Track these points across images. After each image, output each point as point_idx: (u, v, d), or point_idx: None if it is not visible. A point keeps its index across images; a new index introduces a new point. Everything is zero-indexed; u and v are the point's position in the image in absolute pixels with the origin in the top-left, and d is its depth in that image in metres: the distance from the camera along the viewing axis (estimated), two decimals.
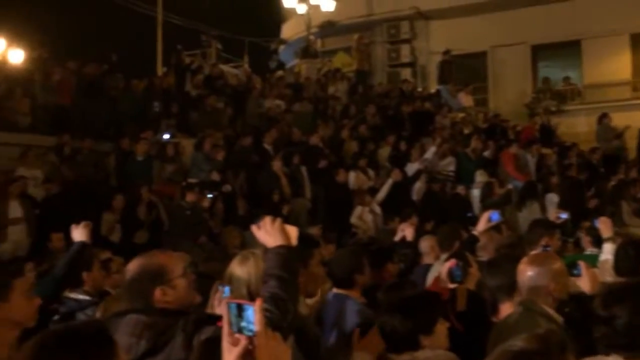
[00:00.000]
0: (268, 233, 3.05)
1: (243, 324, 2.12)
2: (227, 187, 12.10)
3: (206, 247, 10.27)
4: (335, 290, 4.61)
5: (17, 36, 20.76)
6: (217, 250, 10.00)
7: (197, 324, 2.75)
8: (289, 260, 2.96)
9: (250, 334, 2.11)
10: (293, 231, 3.11)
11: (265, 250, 4.20)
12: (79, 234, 4.72)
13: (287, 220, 12.28)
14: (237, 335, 2.12)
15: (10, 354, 3.39)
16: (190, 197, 10.62)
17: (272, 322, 2.59)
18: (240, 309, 2.13)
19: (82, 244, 4.68)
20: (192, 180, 11.22)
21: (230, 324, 2.12)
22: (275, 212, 11.60)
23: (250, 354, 2.10)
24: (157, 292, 3.00)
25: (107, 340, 2.10)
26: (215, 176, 12.05)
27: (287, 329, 2.72)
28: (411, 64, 23.98)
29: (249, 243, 10.47)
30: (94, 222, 10.88)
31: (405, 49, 23.90)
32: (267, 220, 3.08)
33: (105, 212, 10.86)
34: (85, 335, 2.06)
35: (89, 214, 11.23)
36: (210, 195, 10.96)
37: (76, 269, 4.66)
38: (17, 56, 20.13)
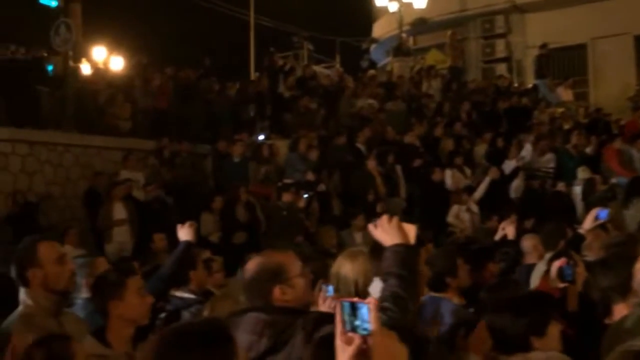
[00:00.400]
0: (385, 231, 3.00)
1: (357, 322, 2.08)
2: (322, 187, 12.13)
3: (303, 247, 10.29)
4: (430, 293, 4.54)
5: (117, 44, 21.54)
6: (314, 250, 10.02)
7: (317, 322, 2.74)
8: (407, 258, 2.90)
9: (365, 332, 2.07)
10: (411, 229, 3.04)
11: (372, 249, 4.14)
12: (184, 233, 4.80)
13: None
14: (350, 334, 2.08)
15: (128, 350, 3.47)
16: (286, 198, 10.69)
17: (392, 321, 2.54)
18: (353, 307, 2.10)
19: (188, 244, 4.76)
20: (287, 181, 11.30)
21: (343, 323, 2.09)
22: (370, 212, 11.61)
23: (364, 353, 2.05)
24: (276, 291, 3.01)
25: (227, 339, 2.11)
26: (310, 176, 12.10)
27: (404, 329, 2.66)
28: (506, 59, 23.40)
29: (345, 242, 10.47)
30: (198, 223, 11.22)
31: (500, 44, 23.36)
32: (384, 218, 3.03)
33: (205, 213, 11.06)
34: (206, 333, 2.08)
35: (189, 215, 11.60)
36: (306, 196, 11.01)
37: (182, 268, 4.75)
38: (117, 63, 20.92)
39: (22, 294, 3.60)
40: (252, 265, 3.13)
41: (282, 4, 24.28)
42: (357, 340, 2.04)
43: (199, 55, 19.11)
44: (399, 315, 2.69)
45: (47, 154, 13.27)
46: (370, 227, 3.08)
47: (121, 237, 10.95)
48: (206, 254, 7.32)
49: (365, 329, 2.06)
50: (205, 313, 4.45)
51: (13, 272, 3.64)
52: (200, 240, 10.84)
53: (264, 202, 11.53)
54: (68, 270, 3.70)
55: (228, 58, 21.31)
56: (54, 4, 14.01)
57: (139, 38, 21.23)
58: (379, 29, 25.19)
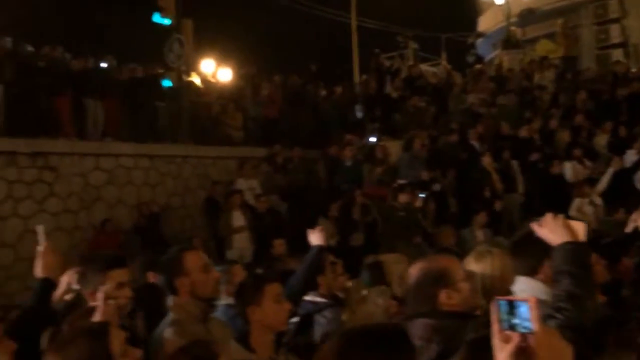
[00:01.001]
0: (552, 230, 2.90)
1: (515, 321, 2.02)
2: (437, 186, 11.97)
3: (423, 247, 10.18)
4: None
5: (225, 56, 22.07)
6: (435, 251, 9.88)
7: (488, 326, 2.69)
8: (579, 256, 2.79)
9: (525, 330, 2.01)
10: (580, 226, 2.92)
11: (514, 246, 4.02)
12: (315, 238, 4.83)
13: (501, 216, 11.95)
14: (508, 333, 2.02)
15: (271, 355, 3.51)
16: (402, 198, 10.61)
17: (569, 321, 2.46)
18: (512, 306, 2.04)
19: (320, 248, 4.78)
20: (402, 182, 11.22)
21: (500, 322, 2.03)
22: (487, 209, 11.36)
23: (524, 352, 1.98)
24: (442, 296, 2.99)
25: (409, 345, 2.12)
26: (425, 176, 11.98)
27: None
28: (622, 44, 22.37)
29: (466, 241, 10.29)
30: (311, 228, 11.36)
31: (614, 29, 22.37)
32: (548, 217, 2.92)
33: (321, 217, 11.14)
34: (389, 337, 2.09)
35: (304, 220, 11.73)
36: (422, 195, 10.89)
37: (315, 273, 4.77)
38: (225, 75, 21.45)
39: (171, 301, 3.71)
40: (416, 270, 3.10)
41: (384, 5, 24.21)
42: (515, 338, 1.98)
43: (304, 61, 19.33)
44: (575, 315, 2.60)
45: (166, 166, 13.79)
46: (534, 226, 2.97)
47: (241, 244, 11.21)
48: (330, 258, 7.35)
49: (525, 327, 2.00)
50: (345, 317, 4.46)
51: (161, 281, 3.77)
52: None
53: (379, 204, 11.49)
54: (213, 278, 3.79)
55: (332, 62, 21.45)
56: (167, 22, 14.53)
57: (246, 49, 21.69)
58: (484, 23, 24.70)
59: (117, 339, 2.43)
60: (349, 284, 7.12)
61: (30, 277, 11.32)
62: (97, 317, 2.93)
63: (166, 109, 14.27)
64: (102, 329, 2.47)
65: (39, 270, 3.33)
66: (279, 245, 9.65)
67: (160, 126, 14.09)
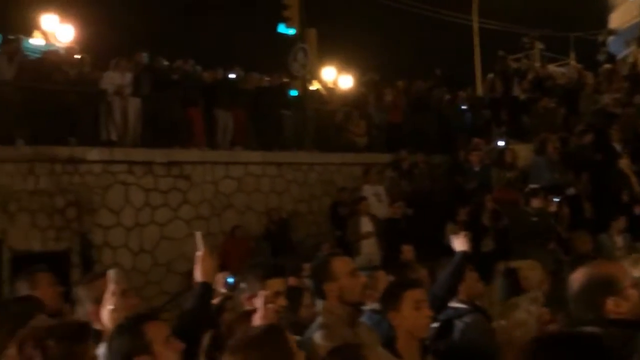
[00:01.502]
0: None
1: None
2: (572, 190, 11.51)
3: (556, 253, 9.80)
4: None
5: (345, 63, 22.21)
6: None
7: None
8: None
9: None
10: None
11: None
12: (459, 243, 4.75)
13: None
14: None
15: None
16: (535, 203, 10.26)
17: None
18: None
19: (464, 254, 4.70)
20: (534, 186, 10.85)
21: None
22: (626, 213, 10.81)
23: None
24: (609, 303, 2.87)
25: (609, 354, 2.04)
26: (558, 179, 11.55)
27: None
28: None
29: (604, 247, 9.83)
30: (437, 233, 11.21)
31: None
32: None
33: (449, 223, 10.97)
34: (586, 343, 2.02)
35: (431, 226, 11.60)
36: (556, 200, 10.49)
37: (458, 279, 4.69)
38: (346, 82, 21.59)
39: (320, 306, 3.75)
40: (580, 276, 2.98)
41: (507, 5, 23.62)
42: None
43: (426, 66, 19.16)
44: None
45: (293, 173, 14.05)
46: None
47: (369, 249, 11.23)
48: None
49: None
50: (504, 322, 4.35)
51: (310, 286, 3.82)
52: (448, 250, 10.81)
53: (510, 209, 11.18)
54: (360, 283, 3.80)
55: (454, 66, 21.16)
56: (291, 32, 14.82)
57: (367, 55, 21.75)
58: (616, 19, 23.57)
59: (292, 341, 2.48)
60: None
61: (166, 282, 11.85)
62: (258, 321, 3.00)
63: (292, 117, 14.53)
64: (278, 331, 2.53)
65: (198, 275, 3.45)
66: (408, 251, 9.56)
67: (286, 134, 14.36)
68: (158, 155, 12.20)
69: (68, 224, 11.15)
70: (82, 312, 3.18)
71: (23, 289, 3.45)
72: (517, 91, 15.81)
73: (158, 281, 11.87)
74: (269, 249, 12.12)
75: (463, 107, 16.13)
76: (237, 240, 12.31)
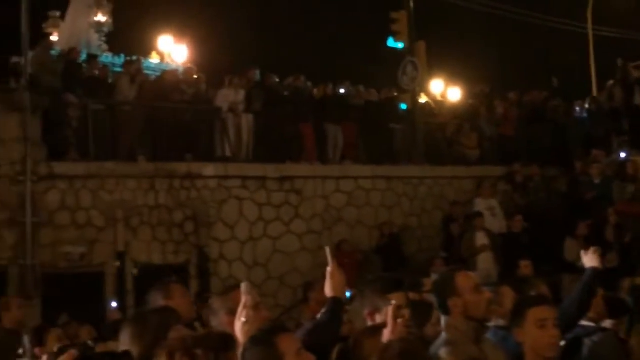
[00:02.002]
0: None
1: None
2: None
3: None
4: None
5: (454, 75, 21.96)
6: None
7: None
8: None
9: None
10: None
11: None
12: (589, 259, 4.58)
13: None
14: None
15: None
16: None
17: None
18: None
19: (594, 270, 4.52)
20: None
21: None
22: None
23: None
24: None
25: None
26: None
27: None
28: None
29: None
30: (556, 248, 10.86)
31: None
32: None
33: (568, 238, 10.60)
34: None
35: (548, 240, 11.25)
36: None
37: (590, 296, 4.52)
38: (455, 94, 21.32)
39: (444, 322, 3.70)
40: None
41: (622, 11, 22.66)
42: None
43: (538, 77, 18.67)
44: None
45: (403, 187, 13.95)
46: None
47: (486, 264, 10.99)
48: None
49: None
50: (634, 340, 4.16)
51: (434, 301, 3.77)
52: (567, 266, 10.44)
53: (635, 223, 10.70)
54: (485, 299, 3.72)
55: (569, 75, 20.49)
56: (400, 45, 14.81)
57: (476, 67, 21.41)
58: None
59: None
60: None
61: (279, 295, 12.03)
62: (388, 336, 2.98)
63: (401, 131, 14.47)
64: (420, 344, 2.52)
65: (328, 290, 3.48)
66: (526, 267, 9.31)
67: (396, 148, 14.31)
68: (270, 170, 12.44)
69: (186, 237, 11.54)
70: (216, 322, 3.27)
71: (158, 300, 3.58)
72: (638, 100, 15.12)
73: (271, 294, 12.05)
74: (380, 263, 12.09)
75: (580, 117, 15.58)
76: (345, 254, 12.32)
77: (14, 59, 13.23)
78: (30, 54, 11.17)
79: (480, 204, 12.62)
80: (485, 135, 15.15)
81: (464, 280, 3.73)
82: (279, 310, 11.73)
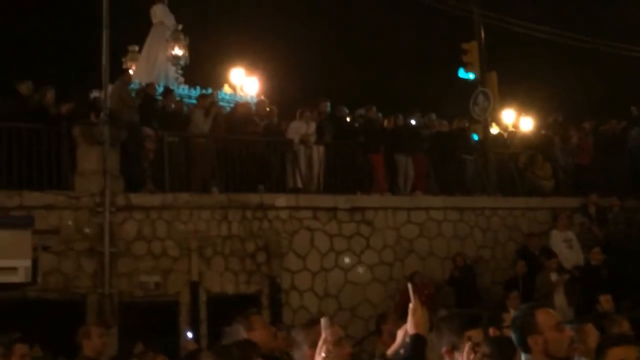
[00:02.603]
0: None
1: None
2: None
3: None
4: None
5: (525, 105, 21.64)
6: None
7: None
8: None
9: None
10: None
11: None
12: None
13: None
14: None
15: None
16: None
17: None
18: None
19: None
20: None
21: None
22: None
23: None
24: None
25: None
26: None
27: None
28: None
29: None
30: (636, 282, 10.46)
31: None
32: None
33: None
34: None
35: (628, 274, 10.86)
36: None
37: None
38: (527, 124, 20.98)
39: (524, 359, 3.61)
40: None
41: None
42: None
43: (614, 105, 18.21)
44: None
45: (475, 218, 13.75)
46: None
47: (561, 302, 10.67)
48: None
49: None
50: None
51: (514, 339, 3.69)
52: None
53: None
54: (567, 337, 3.61)
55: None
56: (471, 76, 14.73)
57: (549, 96, 21.05)
58: None
59: None
60: None
61: (351, 327, 11.94)
62: None
63: (473, 161, 14.32)
64: None
65: (411, 327, 3.45)
66: (606, 302, 9.02)
67: (467, 179, 14.15)
68: (341, 201, 12.46)
69: (258, 267, 11.64)
70: (299, 355, 3.28)
71: (240, 331, 3.63)
72: None
73: (343, 325, 11.95)
74: (453, 295, 11.91)
75: None
76: (417, 286, 12.16)
77: (94, 93, 13.79)
78: (110, 88, 11.55)
79: (556, 236, 12.33)
80: (559, 165, 14.85)
81: (545, 317, 3.62)
82: (350, 341, 11.67)
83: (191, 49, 17.88)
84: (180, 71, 17.26)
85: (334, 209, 12.40)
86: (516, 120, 21.58)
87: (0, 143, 10.22)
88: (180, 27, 17.33)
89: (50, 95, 11.34)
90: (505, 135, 17.19)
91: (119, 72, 12.91)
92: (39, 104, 11.14)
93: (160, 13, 17.72)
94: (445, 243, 13.34)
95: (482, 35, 14.93)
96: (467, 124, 14.88)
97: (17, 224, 8.10)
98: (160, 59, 17.31)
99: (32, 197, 9.91)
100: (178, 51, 17.04)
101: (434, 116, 14.83)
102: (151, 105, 12.29)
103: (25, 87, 11.07)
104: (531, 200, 14.31)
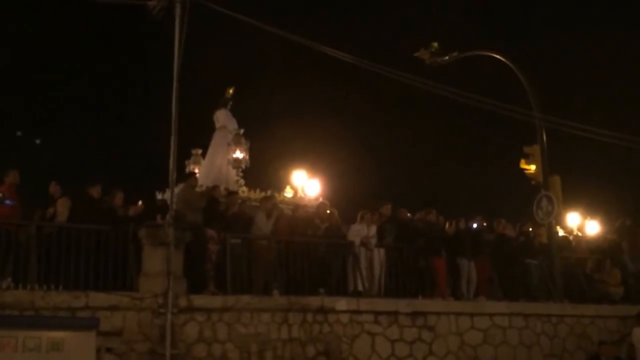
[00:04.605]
0: None
1: None
2: None
3: None
4: None
5: (591, 208, 21.26)
6: None
7: None
8: None
9: None
10: None
11: None
12: None
13: None
14: None
15: None
16: None
17: None
18: None
19: None
20: None
21: None
22: None
23: None
24: None
25: None
26: None
27: None
28: None
29: None
30: None
31: None
32: None
33: None
34: None
35: None
36: None
37: None
38: (592, 227, 20.54)
39: None
40: None
41: None
42: None
43: None
44: None
45: (541, 325, 13.34)
46: None
47: None
48: None
49: None
50: None
51: None
52: None
53: None
54: None
55: None
56: (534, 180, 14.65)
57: (615, 200, 20.70)
58: None
59: None
60: None
61: None
62: None
63: (538, 266, 14.02)
64: None
65: None
66: None
67: (533, 284, 13.83)
68: (403, 305, 12.25)
69: None
70: None
71: None
72: None
73: None
74: None
75: None
76: None
77: (159, 195, 14.15)
78: (176, 191, 11.83)
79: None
80: (628, 271, 14.40)
81: None
82: None
83: (254, 152, 18.31)
84: (240, 174, 17.62)
85: (395, 313, 12.18)
86: (582, 224, 21.17)
87: (69, 243, 10.49)
88: (241, 131, 17.84)
89: (118, 197, 11.71)
90: (571, 239, 16.84)
91: (182, 175, 13.24)
92: (108, 205, 11.48)
93: (222, 118, 18.34)
94: (511, 351, 12.91)
95: (544, 138, 14.90)
96: (530, 228, 14.66)
97: (82, 325, 8.22)
98: (221, 162, 17.75)
99: (98, 298, 10.03)
100: (239, 154, 17.45)
101: (497, 220, 14.68)
102: (215, 207, 12.50)
103: (95, 191, 11.46)
104: (601, 308, 13.85)
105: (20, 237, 10.35)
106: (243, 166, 17.77)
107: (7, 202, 10.87)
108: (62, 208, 11.31)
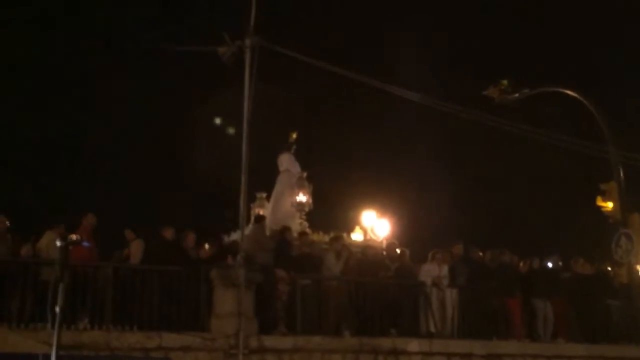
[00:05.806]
0: None
1: None
2: None
3: None
4: None
5: None
6: None
7: None
8: None
9: None
10: None
11: None
12: None
13: None
14: None
15: None
16: None
17: None
18: None
19: None
20: None
21: None
22: None
23: None
24: None
25: None
26: None
27: None
28: None
29: None
30: None
31: None
32: None
33: None
34: None
35: None
36: None
37: None
38: None
39: None
40: None
41: None
42: None
43: None
44: None
45: None
46: None
47: None
48: None
49: None
50: None
51: None
52: None
53: None
54: None
55: None
56: (611, 217, 14.20)
57: None
58: None
59: None
60: None
61: None
62: None
63: (619, 307, 13.49)
64: None
65: None
66: None
67: (614, 326, 13.29)
68: (477, 347, 11.95)
69: None
70: None
71: None
72: None
73: None
74: None
75: None
76: None
77: (229, 236, 14.30)
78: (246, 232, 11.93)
79: None
80: None
81: None
82: None
83: (320, 194, 18.38)
84: (304, 216, 17.70)
85: (469, 355, 11.89)
86: None
87: (143, 284, 10.68)
88: (305, 174, 17.98)
89: (190, 238, 11.88)
90: None
91: (251, 218, 13.36)
92: (180, 246, 11.66)
93: (286, 161, 18.62)
94: None
95: (621, 174, 14.40)
96: (609, 267, 14.15)
97: None
98: (285, 205, 17.90)
99: (170, 339, 10.13)
100: (302, 197, 17.59)
101: (574, 258, 14.23)
102: (285, 248, 12.54)
103: (169, 233, 11.67)
104: None
105: (97, 278, 10.59)
106: (306, 209, 17.86)
107: (85, 244, 11.15)
108: (136, 250, 11.56)
